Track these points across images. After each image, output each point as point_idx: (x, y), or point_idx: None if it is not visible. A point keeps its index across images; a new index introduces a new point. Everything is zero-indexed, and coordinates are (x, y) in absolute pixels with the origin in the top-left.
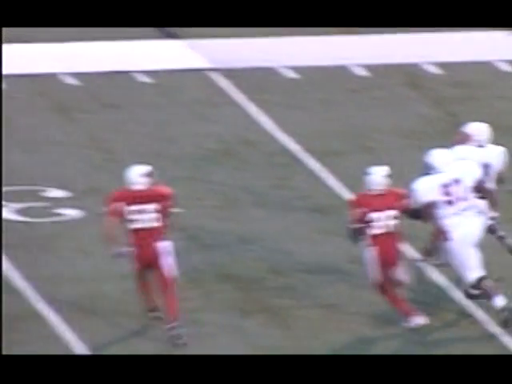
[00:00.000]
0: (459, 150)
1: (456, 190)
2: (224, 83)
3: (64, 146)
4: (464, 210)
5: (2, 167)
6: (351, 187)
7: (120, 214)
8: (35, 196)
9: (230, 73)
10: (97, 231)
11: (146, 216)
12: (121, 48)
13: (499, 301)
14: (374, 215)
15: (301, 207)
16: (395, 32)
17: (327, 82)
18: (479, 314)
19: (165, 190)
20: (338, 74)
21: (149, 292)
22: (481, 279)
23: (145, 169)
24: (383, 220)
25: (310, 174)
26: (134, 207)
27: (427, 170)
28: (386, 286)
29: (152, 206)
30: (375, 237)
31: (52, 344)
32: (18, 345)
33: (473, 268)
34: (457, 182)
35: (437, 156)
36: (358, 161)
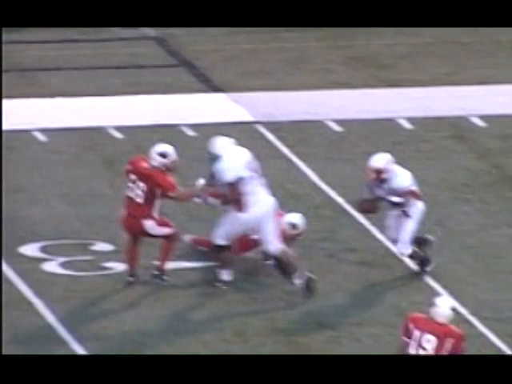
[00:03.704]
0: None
1: (254, 168)
2: (268, 136)
3: (110, 200)
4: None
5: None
6: None
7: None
8: (81, 249)
9: (274, 126)
10: (144, 286)
11: (137, 190)
12: (166, 101)
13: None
14: None
15: (347, 260)
16: (439, 85)
17: (372, 134)
18: None
19: (159, 176)
20: (383, 126)
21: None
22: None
23: (161, 148)
24: None
25: (356, 226)
26: (131, 176)
27: (214, 159)
28: None
29: (141, 184)
30: None
31: None
32: None
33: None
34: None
35: (219, 144)
36: None
